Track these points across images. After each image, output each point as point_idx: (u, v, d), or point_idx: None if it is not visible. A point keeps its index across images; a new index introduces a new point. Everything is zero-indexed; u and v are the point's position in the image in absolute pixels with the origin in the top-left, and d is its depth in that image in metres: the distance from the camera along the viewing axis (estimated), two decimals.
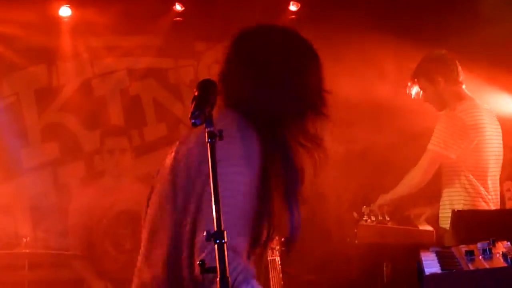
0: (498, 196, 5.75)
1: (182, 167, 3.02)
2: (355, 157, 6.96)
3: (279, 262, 5.46)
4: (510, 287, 2.87)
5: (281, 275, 5.43)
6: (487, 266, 3.00)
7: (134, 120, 7.52)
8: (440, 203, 5.80)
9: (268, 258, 5.46)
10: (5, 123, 7.34)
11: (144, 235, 3.13)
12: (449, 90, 5.72)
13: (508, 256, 3.00)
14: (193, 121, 2.69)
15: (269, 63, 3.10)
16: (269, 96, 3.07)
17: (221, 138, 2.64)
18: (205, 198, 2.87)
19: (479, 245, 3.28)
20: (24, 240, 5.98)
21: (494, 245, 3.30)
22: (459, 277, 2.92)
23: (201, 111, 2.69)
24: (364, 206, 5.79)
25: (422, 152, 5.66)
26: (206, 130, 2.65)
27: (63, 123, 7.53)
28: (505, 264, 2.95)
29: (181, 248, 2.97)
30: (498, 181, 5.75)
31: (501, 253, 3.10)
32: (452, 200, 5.68)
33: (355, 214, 5.82)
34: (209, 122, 2.67)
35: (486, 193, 5.65)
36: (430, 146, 5.61)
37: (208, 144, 2.62)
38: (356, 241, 5.67)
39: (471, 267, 3.04)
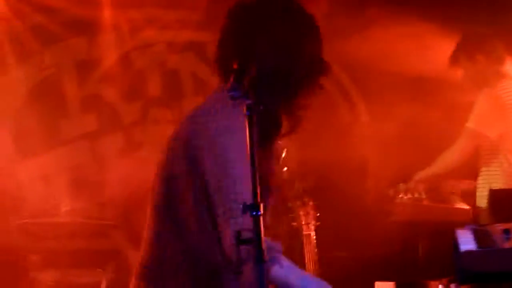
0: None
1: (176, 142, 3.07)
2: (395, 135, 6.95)
3: (314, 237, 5.48)
4: None
5: (316, 249, 5.45)
6: None
7: (172, 93, 7.54)
8: (478, 182, 5.78)
9: (303, 233, 5.49)
10: (45, 94, 7.42)
11: (148, 210, 3.18)
12: (490, 68, 5.68)
13: None
14: (231, 93, 2.71)
15: (264, 32, 3.07)
16: (262, 64, 3.03)
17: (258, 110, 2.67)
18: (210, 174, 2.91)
19: None
20: (64, 209, 6.07)
21: None
22: (495, 255, 2.91)
23: (240, 83, 2.71)
24: (401, 184, 5.79)
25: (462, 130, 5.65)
26: (246, 103, 2.67)
27: (102, 94, 7.56)
28: None
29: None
30: None
31: None
32: (490, 180, 5.65)
33: (391, 192, 5.82)
34: (247, 94, 2.69)
35: None
36: (468, 124, 5.58)
37: (246, 118, 2.64)
38: (392, 219, 5.69)
39: (507, 245, 3.02)
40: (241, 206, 2.60)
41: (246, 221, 2.61)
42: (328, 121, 7.44)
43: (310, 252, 5.48)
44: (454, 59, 5.81)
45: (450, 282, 3.38)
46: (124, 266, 6.19)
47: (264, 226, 2.97)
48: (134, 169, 6.25)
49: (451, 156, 5.67)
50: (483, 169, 5.75)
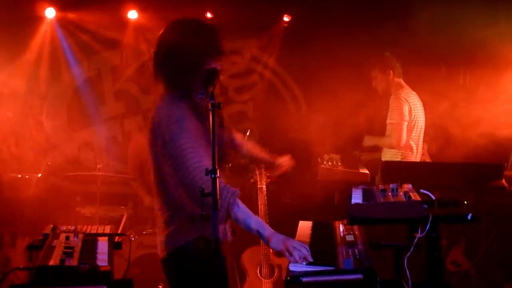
0: (420, 154, 5.72)
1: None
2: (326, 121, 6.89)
3: (265, 190, 5.48)
4: (406, 215, 2.85)
5: (265, 198, 5.46)
6: (392, 200, 3.01)
7: None
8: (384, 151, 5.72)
9: (258, 186, 5.49)
10: (90, 88, 7.38)
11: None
12: (394, 80, 5.64)
13: (407, 194, 3.01)
14: (200, 96, 2.76)
15: (171, 46, 2.99)
16: (173, 69, 2.99)
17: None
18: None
19: (391, 185, 3.23)
20: (98, 166, 6.06)
21: (401, 186, 3.26)
22: (372, 207, 2.92)
23: (205, 90, 2.75)
24: (325, 154, 5.76)
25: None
26: (210, 102, 2.69)
27: (128, 89, 7.53)
28: (404, 199, 2.96)
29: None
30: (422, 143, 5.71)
31: (403, 192, 3.09)
32: (392, 151, 5.61)
33: (319, 159, 5.80)
34: (211, 96, 2.72)
35: (416, 151, 5.59)
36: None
37: (211, 112, 2.67)
38: (318, 178, 5.69)
39: (381, 200, 3.05)
40: (204, 170, 2.62)
41: (207, 181, 2.63)
42: (280, 111, 7.45)
43: (262, 200, 5.49)
44: (373, 72, 5.75)
45: (346, 223, 3.38)
46: (139, 205, 6.21)
47: (224, 179, 2.99)
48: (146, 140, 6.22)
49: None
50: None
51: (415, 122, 5.55)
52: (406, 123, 5.47)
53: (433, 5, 6.31)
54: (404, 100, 5.49)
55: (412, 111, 5.51)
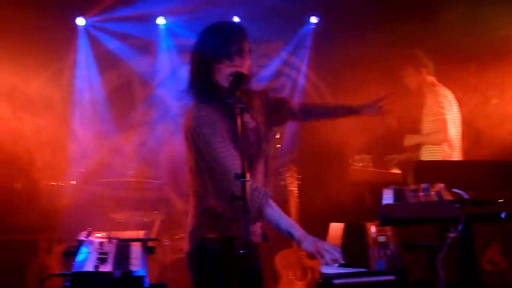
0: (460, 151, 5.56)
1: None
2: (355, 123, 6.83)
3: (296, 192, 5.49)
4: (438, 215, 2.83)
5: (297, 200, 5.47)
6: (423, 200, 2.98)
7: None
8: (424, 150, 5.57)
9: (288, 189, 5.50)
10: (120, 95, 7.44)
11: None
12: (427, 77, 5.53)
13: (439, 194, 2.98)
14: (228, 100, 2.76)
15: (195, 50, 3.02)
16: (194, 71, 3.00)
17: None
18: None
19: (422, 185, 3.20)
20: (131, 172, 6.13)
21: (433, 186, 3.20)
22: (403, 207, 2.90)
23: (233, 94, 2.76)
24: (356, 155, 5.75)
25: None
26: (238, 106, 2.71)
27: (159, 95, 7.55)
28: (435, 199, 2.93)
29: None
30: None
31: (435, 191, 3.05)
32: (433, 149, 5.47)
33: (350, 161, 5.79)
34: (239, 100, 2.72)
35: (457, 148, 5.46)
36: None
37: (239, 116, 2.68)
38: (350, 179, 5.67)
39: (413, 200, 3.01)
40: (233, 175, 2.64)
41: (237, 185, 2.64)
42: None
43: (293, 202, 5.51)
44: (406, 70, 5.64)
45: (378, 224, 3.36)
46: (171, 211, 6.26)
47: (260, 181, 3.00)
48: (179, 146, 6.25)
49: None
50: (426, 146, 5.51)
51: (454, 119, 5.47)
52: (450, 118, 5.38)
53: (462, 2, 6.24)
54: (444, 96, 5.42)
55: (452, 107, 5.43)
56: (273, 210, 2.90)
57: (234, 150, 2.80)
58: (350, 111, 3.44)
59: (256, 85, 3.23)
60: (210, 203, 2.99)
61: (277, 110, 3.29)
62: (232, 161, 2.84)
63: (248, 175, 2.63)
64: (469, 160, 5.83)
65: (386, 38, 6.63)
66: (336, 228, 3.45)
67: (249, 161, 2.92)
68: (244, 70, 2.99)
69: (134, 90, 7.54)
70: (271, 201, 2.91)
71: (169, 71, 7.48)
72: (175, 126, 7.40)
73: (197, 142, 2.93)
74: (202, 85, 3.00)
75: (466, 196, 2.99)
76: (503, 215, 2.82)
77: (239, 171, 2.63)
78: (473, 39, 6.41)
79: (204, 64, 2.98)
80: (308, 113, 3.41)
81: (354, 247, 2.99)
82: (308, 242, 2.83)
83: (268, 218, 2.91)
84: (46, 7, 6.57)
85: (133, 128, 7.44)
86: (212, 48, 2.97)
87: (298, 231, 2.88)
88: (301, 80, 7.70)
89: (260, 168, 3.10)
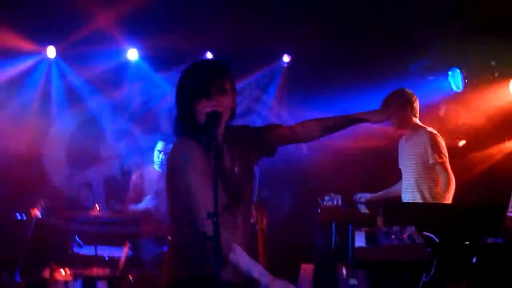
0: None
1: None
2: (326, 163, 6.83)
3: (266, 230, 5.43)
4: (411, 258, 2.81)
5: (266, 239, 5.41)
6: (395, 243, 2.94)
7: None
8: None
9: (258, 227, 5.44)
10: (89, 128, 7.36)
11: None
12: (412, 117, 5.39)
13: (411, 237, 2.95)
14: (204, 139, 2.72)
15: (177, 89, 2.97)
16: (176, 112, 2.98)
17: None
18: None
19: (394, 228, 3.14)
20: (97, 206, 6.02)
21: (404, 228, 3.14)
22: (376, 250, 2.86)
23: (208, 133, 2.73)
24: (325, 196, 5.70)
25: None
26: (212, 144, 2.67)
27: (129, 129, 7.51)
28: (408, 243, 2.91)
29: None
30: None
31: (407, 235, 3.01)
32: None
33: (319, 200, 5.75)
34: (214, 139, 2.70)
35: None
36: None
37: (214, 154, 2.64)
38: (319, 218, 5.62)
39: (386, 243, 2.97)
40: (205, 213, 2.57)
41: (209, 225, 2.57)
42: (281, 149, 7.39)
43: (262, 241, 5.44)
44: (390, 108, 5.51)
45: (349, 266, 3.32)
46: (138, 247, 6.14)
47: (237, 225, 2.93)
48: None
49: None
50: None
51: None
52: None
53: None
54: (439, 135, 5.31)
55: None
56: (238, 255, 2.79)
57: (211, 189, 2.73)
58: (356, 120, 3.26)
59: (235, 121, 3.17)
60: (185, 242, 2.91)
61: (265, 140, 3.22)
62: (206, 198, 2.76)
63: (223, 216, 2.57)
64: (435, 203, 5.84)
65: (363, 75, 6.68)
66: (306, 270, 3.40)
67: (228, 203, 2.87)
68: (223, 108, 2.94)
69: (103, 123, 7.45)
70: (236, 246, 2.81)
71: (138, 104, 7.43)
72: (142, 160, 7.39)
73: (173, 177, 2.87)
74: (183, 123, 2.96)
75: (437, 240, 2.97)
76: (474, 260, 2.81)
77: (211, 209, 2.57)
78: None
79: (184, 102, 2.95)
80: (310, 132, 3.26)
81: None
82: (277, 287, 2.73)
83: (233, 263, 2.81)
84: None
85: (102, 161, 7.34)
86: (191, 87, 2.92)
87: (265, 276, 2.75)
88: (272, 118, 7.70)
89: (240, 210, 3.03)
